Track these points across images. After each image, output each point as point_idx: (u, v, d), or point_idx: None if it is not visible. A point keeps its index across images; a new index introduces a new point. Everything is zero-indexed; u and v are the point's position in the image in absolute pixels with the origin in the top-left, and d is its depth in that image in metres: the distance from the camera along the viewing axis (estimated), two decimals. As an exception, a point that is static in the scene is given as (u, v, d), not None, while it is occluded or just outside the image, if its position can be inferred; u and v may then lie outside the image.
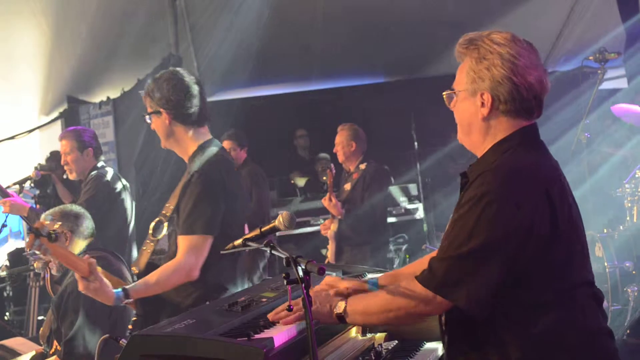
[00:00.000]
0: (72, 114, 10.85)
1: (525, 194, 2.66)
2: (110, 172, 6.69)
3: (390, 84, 12.24)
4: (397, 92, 11.88)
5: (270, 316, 3.13)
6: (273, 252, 3.01)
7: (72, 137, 6.67)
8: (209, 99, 12.15)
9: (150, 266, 4.18)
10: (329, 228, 7.96)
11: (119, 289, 4.00)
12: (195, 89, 4.38)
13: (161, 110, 4.29)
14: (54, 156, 8.70)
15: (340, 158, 8.05)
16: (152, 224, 4.35)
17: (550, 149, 2.94)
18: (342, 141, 7.99)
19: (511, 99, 2.78)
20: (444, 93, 3.00)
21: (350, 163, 8.05)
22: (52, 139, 10.90)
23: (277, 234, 4.82)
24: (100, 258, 5.05)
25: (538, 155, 2.84)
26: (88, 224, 5.28)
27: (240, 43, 10.78)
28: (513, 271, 2.66)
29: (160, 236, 4.29)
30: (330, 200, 7.76)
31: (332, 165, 8.04)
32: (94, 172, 6.58)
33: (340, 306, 2.99)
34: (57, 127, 10.96)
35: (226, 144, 8.84)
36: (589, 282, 2.86)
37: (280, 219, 3.21)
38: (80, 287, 4.05)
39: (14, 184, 7.05)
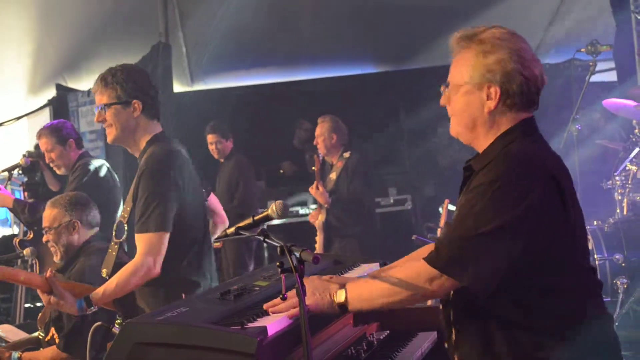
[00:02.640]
0: (60, 101, 10.81)
1: (534, 178, 2.68)
2: (96, 161, 6.63)
3: (379, 74, 12.23)
4: (387, 82, 11.86)
5: (266, 306, 3.11)
6: (266, 240, 2.98)
7: (50, 133, 6.59)
8: (198, 88, 12.16)
9: (118, 267, 4.13)
10: (317, 218, 7.93)
11: (81, 299, 3.98)
12: (153, 82, 4.38)
13: (133, 100, 4.20)
14: (43, 143, 8.64)
15: (322, 150, 8.01)
16: (114, 226, 4.31)
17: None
18: (323, 133, 7.94)
19: (520, 93, 2.80)
20: (441, 87, 2.98)
21: (332, 155, 8.01)
22: (40, 126, 10.82)
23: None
24: (100, 251, 4.99)
25: (541, 145, 2.88)
26: (95, 213, 5.27)
27: (230, 31, 10.75)
28: (523, 255, 2.66)
29: (122, 238, 4.25)
30: (317, 188, 7.74)
31: (319, 151, 8.01)
32: (80, 162, 6.52)
33: (340, 295, 2.95)
34: (46, 114, 10.92)
35: (210, 138, 8.82)
36: (592, 268, 2.90)
37: (273, 208, 3.19)
38: (44, 301, 4.05)
39: (3, 171, 7.00)
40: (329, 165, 8.17)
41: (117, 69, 4.27)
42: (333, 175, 7.97)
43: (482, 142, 2.90)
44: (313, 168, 7.92)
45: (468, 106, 2.88)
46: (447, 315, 2.95)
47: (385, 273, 2.94)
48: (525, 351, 2.73)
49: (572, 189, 2.83)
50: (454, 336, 2.93)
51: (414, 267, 2.81)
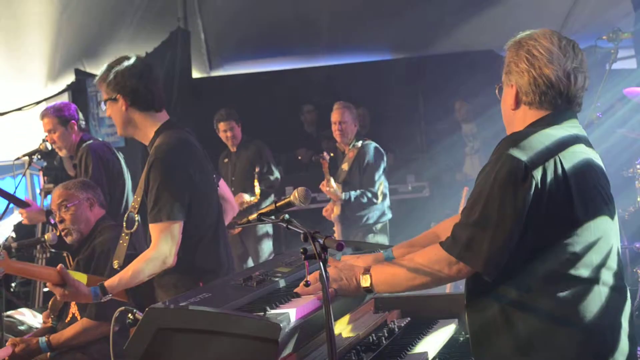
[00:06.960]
0: (79, 86, 10.82)
1: (535, 156, 2.74)
2: (98, 145, 6.60)
3: (397, 61, 12.20)
4: (405, 69, 11.83)
5: (297, 290, 3.16)
6: (290, 227, 2.99)
7: (53, 113, 6.61)
8: (216, 74, 12.17)
9: (130, 258, 4.13)
10: (331, 211, 7.88)
11: (96, 287, 3.98)
12: (148, 73, 4.35)
13: (117, 96, 4.22)
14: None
15: (340, 138, 7.95)
16: (125, 217, 4.31)
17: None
18: (345, 121, 7.83)
19: (530, 91, 2.90)
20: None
21: (348, 143, 7.95)
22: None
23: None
24: (115, 227, 5.19)
25: (558, 130, 2.90)
26: (102, 194, 5.45)
27: (248, 18, 10.74)
28: (529, 237, 2.73)
29: (133, 229, 4.24)
30: (327, 186, 7.67)
31: (324, 153, 7.87)
32: (83, 146, 6.50)
33: (366, 279, 3.04)
34: (65, 99, 10.92)
35: (224, 125, 8.69)
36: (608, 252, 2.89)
37: (295, 194, 3.20)
38: (57, 294, 4.05)
39: (23, 156, 7.00)
40: (340, 153, 8.11)
41: (111, 64, 4.29)
42: (345, 166, 7.89)
43: None
44: (323, 169, 7.79)
45: (504, 103, 3.04)
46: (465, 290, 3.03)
47: (407, 257, 3.00)
48: (530, 331, 2.77)
49: (584, 175, 2.85)
50: (466, 318, 3.00)
51: (433, 252, 2.89)
